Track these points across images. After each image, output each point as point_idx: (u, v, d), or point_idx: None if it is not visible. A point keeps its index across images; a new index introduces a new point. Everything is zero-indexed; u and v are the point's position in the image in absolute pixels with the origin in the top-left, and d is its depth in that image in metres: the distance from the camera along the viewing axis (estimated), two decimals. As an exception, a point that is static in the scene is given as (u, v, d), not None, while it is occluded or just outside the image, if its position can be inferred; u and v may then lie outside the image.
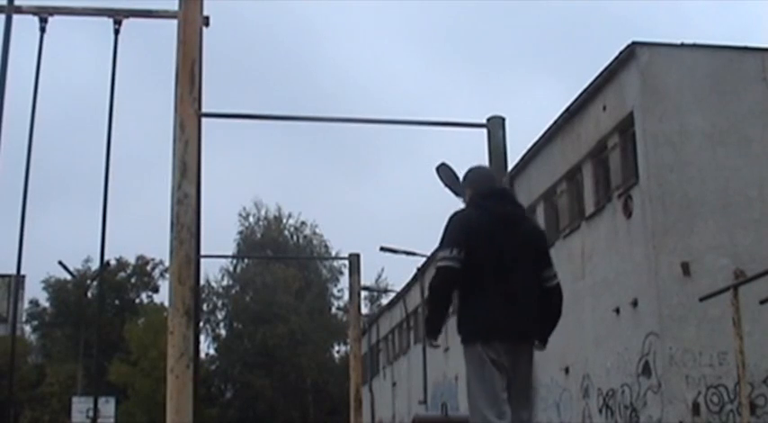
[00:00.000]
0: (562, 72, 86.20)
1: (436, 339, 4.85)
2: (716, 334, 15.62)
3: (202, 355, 41.19)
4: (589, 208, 19.86)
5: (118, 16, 10.42)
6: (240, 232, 51.86)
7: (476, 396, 4.74)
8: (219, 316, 51.22)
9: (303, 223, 52.74)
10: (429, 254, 31.89)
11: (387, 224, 67.47)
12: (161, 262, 47.40)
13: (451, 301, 4.78)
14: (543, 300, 5.03)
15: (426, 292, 33.94)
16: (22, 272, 10.75)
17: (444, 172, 5.70)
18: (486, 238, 4.76)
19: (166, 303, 6.61)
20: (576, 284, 20.33)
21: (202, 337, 42.69)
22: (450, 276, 4.70)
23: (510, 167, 7.18)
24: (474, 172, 5.21)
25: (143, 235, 66.83)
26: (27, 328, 48.17)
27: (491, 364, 4.70)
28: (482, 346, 4.73)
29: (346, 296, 32.28)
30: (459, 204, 5.17)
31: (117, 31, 10.47)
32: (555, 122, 21.15)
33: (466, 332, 4.83)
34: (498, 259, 4.76)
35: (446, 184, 5.63)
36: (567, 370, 20.62)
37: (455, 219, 4.90)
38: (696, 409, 15.91)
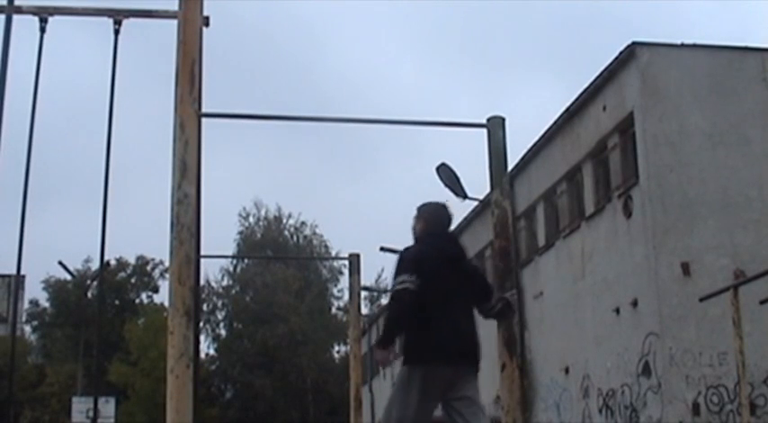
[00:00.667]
0: (562, 72, 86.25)
1: (387, 354, 5.13)
2: (716, 334, 15.62)
3: (202, 355, 41.17)
4: (589, 208, 19.86)
5: (118, 16, 10.42)
6: (240, 232, 51.81)
7: (392, 414, 5.11)
8: (219, 316, 51.15)
9: (303, 223, 52.67)
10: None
11: (387, 224, 67.40)
12: (161, 262, 47.36)
13: (407, 320, 5.09)
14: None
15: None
16: (22, 272, 10.75)
17: (444, 172, 5.80)
18: (434, 273, 5.13)
19: (166, 303, 6.61)
20: (576, 284, 20.34)
21: (202, 337, 42.69)
22: (411, 297, 5.03)
23: (510, 167, 7.18)
24: (430, 207, 5.53)
25: (143, 235, 66.74)
26: (27, 328, 48.16)
27: (421, 392, 5.06)
28: (426, 370, 5.07)
29: (346, 296, 32.23)
30: (457, 204, 5.26)
31: (117, 31, 10.47)
32: (555, 122, 21.15)
33: (412, 355, 5.15)
34: (443, 293, 5.14)
35: (446, 184, 5.73)
36: (566, 370, 20.62)
37: (407, 253, 5.27)
38: (696, 409, 15.91)
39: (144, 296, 49.59)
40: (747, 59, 17.82)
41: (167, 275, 7.47)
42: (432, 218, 5.47)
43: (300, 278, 48.86)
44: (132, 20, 10.52)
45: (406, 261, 5.16)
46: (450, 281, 5.20)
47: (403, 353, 5.22)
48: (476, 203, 24.70)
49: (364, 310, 46.79)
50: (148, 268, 49.18)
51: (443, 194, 19.38)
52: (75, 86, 75.33)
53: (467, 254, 5.56)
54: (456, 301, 5.20)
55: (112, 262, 42.63)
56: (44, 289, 46.90)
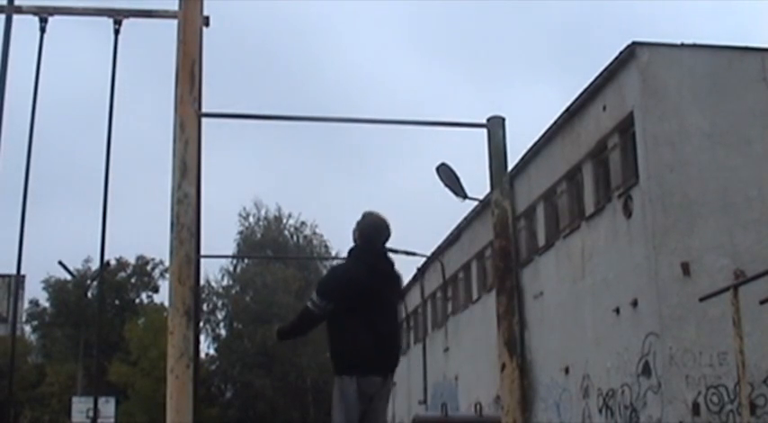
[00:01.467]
0: (562, 72, 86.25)
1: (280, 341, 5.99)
2: (716, 334, 15.62)
3: (202, 355, 41.17)
4: (589, 208, 19.86)
5: (118, 16, 10.43)
6: (240, 232, 51.84)
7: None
8: (219, 316, 51.18)
9: (303, 223, 52.65)
10: (429, 254, 31.89)
11: (387, 224, 67.16)
12: (161, 262, 47.39)
13: (304, 333, 5.76)
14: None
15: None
16: (22, 272, 10.75)
17: (444, 172, 5.87)
18: (361, 289, 5.47)
19: (166, 303, 6.60)
20: (576, 284, 20.34)
21: (202, 337, 42.67)
22: (310, 319, 5.55)
23: (510, 167, 7.18)
24: (370, 220, 5.76)
25: (143, 235, 66.87)
26: (27, 328, 48.13)
27: (355, 397, 5.39)
28: (359, 380, 5.41)
29: (346, 296, 32.08)
30: (457, 204, 5.29)
31: (117, 31, 10.48)
32: (555, 122, 21.15)
33: (342, 366, 5.51)
34: (370, 306, 5.48)
35: (446, 184, 5.80)
36: (566, 370, 20.62)
37: (336, 272, 5.87)
38: (696, 409, 15.91)
39: (144, 296, 49.63)
40: (747, 59, 17.81)
41: (167, 275, 7.46)
42: (368, 232, 5.69)
43: (300, 278, 48.85)
44: (132, 20, 10.52)
45: (329, 281, 5.67)
46: (378, 295, 5.50)
47: (334, 363, 5.59)
48: (476, 203, 24.71)
49: (364, 310, 46.64)
50: (148, 268, 49.21)
51: (443, 194, 19.40)
52: (76, 86, 75.41)
53: (393, 266, 5.86)
54: (383, 313, 5.53)
55: (112, 262, 42.63)
56: (44, 289, 46.93)
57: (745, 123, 17.40)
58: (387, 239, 5.75)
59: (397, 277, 5.85)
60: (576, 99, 19.88)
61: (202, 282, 30.89)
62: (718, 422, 15.92)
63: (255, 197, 64.45)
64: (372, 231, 5.67)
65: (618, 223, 18.29)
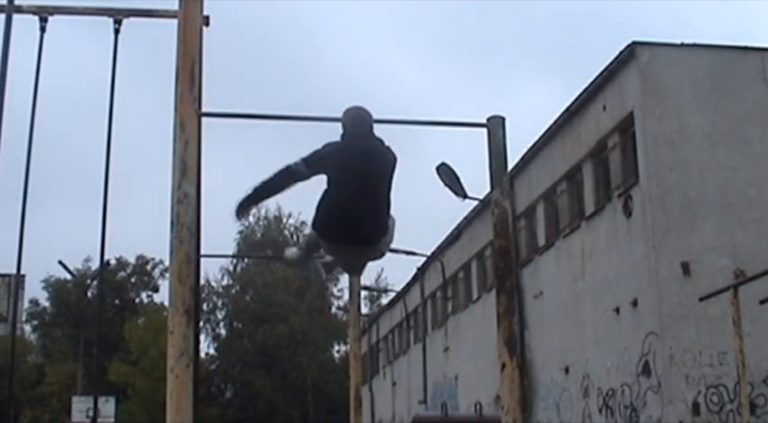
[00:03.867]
0: (562, 72, 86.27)
1: (242, 214, 5.66)
2: (716, 334, 15.62)
3: (202, 354, 41.17)
4: (589, 208, 19.86)
5: (118, 16, 10.42)
6: (240, 232, 51.81)
7: None
8: (219, 316, 51.20)
9: (303, 223, 52.55)
10: (429, 254, 31.88)
11: (387, 224, 67.14)
12: (161, 262, 47.37)
13: (272, 188, 5.53)
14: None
15: (423, 290, 34.06)
16: (22, 272, 10.74)
17: (444, 172, 5.83)
18: (333, 163, 5.48)
19: (166, 303, 6.60)
20: (575, 284, 20.34)
21: (202, 337, 42.66)
22: (283, 170, 5.46)
23: (510, 167, 7.19)
24: (345, 115, 5.67)
25: (143, 235, 66.77)
26: (27, 328, 48.17)
27: (324, 246, 5.78)
28: (325, 242, 5.70)
29: (346, 296, 32.26)
30: (457, 204, 5.27)
31: (117, 31, 10.47)
32: (555, 122, 21.15)
33: (313, 224, 5.65)
34: (342, 180, 5.48)
35: (446, 184, 5.75)
36: (566, 370, 20.62)
37: (327, 144, 5.62)
38: (696, 409, 15.92)
39: (144, 296, 49.63)
40: (747, 59, 17.81)
41: (167, 275, 7.47)
42: (344, 122, 5.66)
43: (300, 278, 48.85)
44: (132, 19, 10.52)
45: (318, 149, 5.54)
46: (352, 169, 5.46)
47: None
48: (476, 203, 24.70)
49: (364, 310, 46.86)
50: (148, 268, 49.19)
51: (443, 194, 19.37)
52: (76, 86, 75.41)
53: (382, 145, 5.73)
54: (356, 187, 5.46)
55: (112, 261, 42.61)
56: (44, 288, 46.92)
57: (745, 123, 17.40)
58: (365, 122, 5.68)
59: (380, 154, 5.71)
60: (576, 99, 19.88)
61: (202, 281, 30.91)
62: (718, 422, 15.93)
63: (255, 197, 64.39)
64: (346, 120, 5.66)
65: (618, 223, 18.29)
